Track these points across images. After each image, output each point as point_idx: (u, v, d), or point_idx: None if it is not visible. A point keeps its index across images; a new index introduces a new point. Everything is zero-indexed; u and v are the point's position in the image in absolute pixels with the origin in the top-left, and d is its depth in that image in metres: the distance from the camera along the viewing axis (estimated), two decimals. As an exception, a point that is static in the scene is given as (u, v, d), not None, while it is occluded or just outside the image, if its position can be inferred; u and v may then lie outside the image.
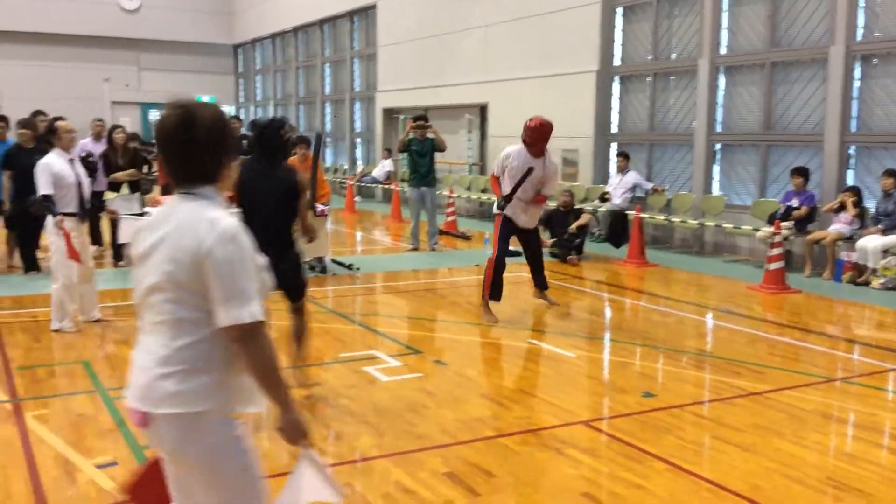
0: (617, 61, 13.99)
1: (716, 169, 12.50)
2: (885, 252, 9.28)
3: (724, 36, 12.22)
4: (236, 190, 4.86)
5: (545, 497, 3.94)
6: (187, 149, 2.35)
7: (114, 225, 9.57)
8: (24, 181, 8.53)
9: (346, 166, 22.88)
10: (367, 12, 21.35)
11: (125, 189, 10.08)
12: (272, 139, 5.19)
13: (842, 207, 9.95)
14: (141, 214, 8.88)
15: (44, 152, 7.14)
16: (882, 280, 9.21)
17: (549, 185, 7.70)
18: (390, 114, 20.32)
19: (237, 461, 2.37)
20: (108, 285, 8.66)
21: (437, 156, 12.21)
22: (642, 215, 11.30)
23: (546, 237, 11.72)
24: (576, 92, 14.14)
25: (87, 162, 9.28)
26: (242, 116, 27.61)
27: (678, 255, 11.99)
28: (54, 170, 6.78)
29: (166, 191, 11.66)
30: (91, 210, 7.66)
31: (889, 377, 6.08)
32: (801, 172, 10.49)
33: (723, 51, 12.22)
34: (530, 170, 7.40)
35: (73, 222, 6.90)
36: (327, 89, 24.16)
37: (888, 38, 10.16)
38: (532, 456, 4.45)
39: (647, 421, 4.98)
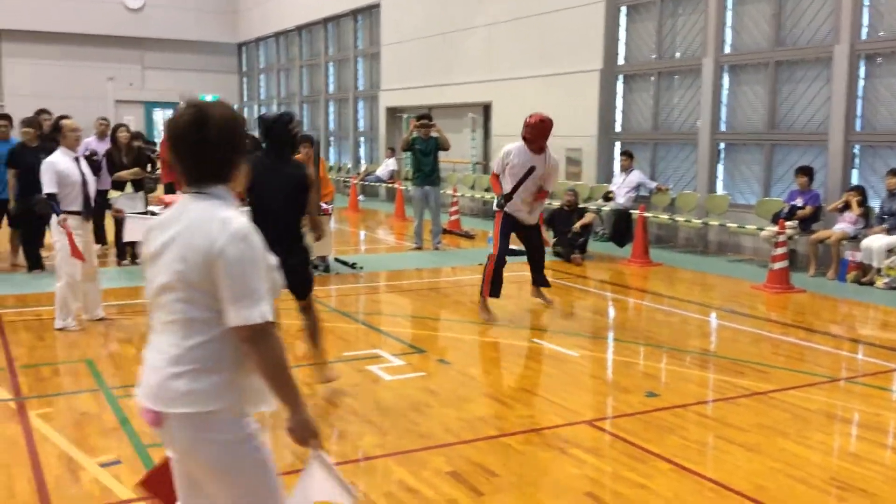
0: (621, 60, 13.97)
1: (720, 168, 12.48)
2: (890, 251, 9.25)
3: (729, 35, 12.20)
4: (246, 186, 4.87)
5: (548, 496, 3.94)
6: (200, 148, 2.34)
7: (118, 223, 9.58)
8: (29, 180, 8.56)
9: (349, 165, 22.89)
10: (371, 11, 21.34)
11: (129, 188, 10.09)
12: (281, 134, 5.20)
13: (846, 207, 9.93)
14: (144, 213, 8.89)
15: (49, 151, 7.16)
16: (886, 279, 9.19)
17: (551, 180, 7.71)
18: (394, 113, 20.31)
19: (250, 459, 2.36)
20: (112, 284, 8.68)
21: (441, 155, 12.21)
22: (646, 214, 11.29)
23: (549, 236, 11.73)
24: (580, 91, 14.12)
25: (91, 161, 9.28)
26: (246, 115, 27.63)
27: (682, 254, 11.98)
28: (59, 168, 6.79)
29: (169, 189, 11.69)
30: (95, 209, 7.67)
31: (893, 377, 6.06)
32: (806, 172, 10.47)
33: (727, 50, 12.19)
34: (532, 168, 7.39)
35: (77, 221, 6.91)
36: (331, 88, 24.16)
37: (893, 38, 10.13)
38: (535, 455, 4.45)
39: (651, 420, 4.97)
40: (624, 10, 13.84)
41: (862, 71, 10.49)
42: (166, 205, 8.89)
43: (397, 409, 5.15)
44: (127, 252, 10.24)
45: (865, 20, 10.46)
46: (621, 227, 12.12)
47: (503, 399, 5.42)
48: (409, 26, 19.17)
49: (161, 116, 28.17)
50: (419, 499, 3.86)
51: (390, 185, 19.02)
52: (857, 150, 10.67)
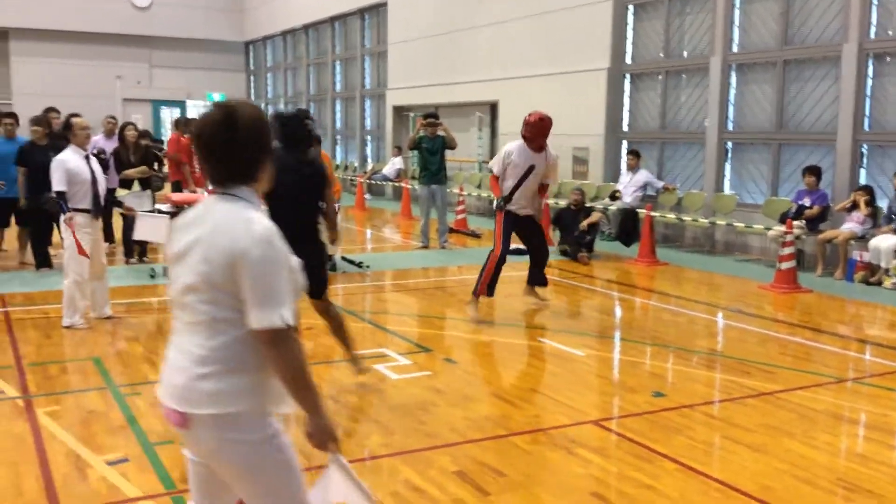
0: (628, 59, 13.95)
1: (727, 167, 12.45)
2: (898, 251, 9.22)
3: (737, 33, 12.17)
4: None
5: (554, 496, 3.94)
6: (229, 148, 2.34)
7: (126, 221, 9.61)
8: (38, 178, 8.60)
9: (356, 164, 22.91)
10: (378, 10, 21.36)
11: (136, 186, 10.11)
12: (297, 130, 5.21)
13: (854, 206, 9.90)
14: (152, 212, 8.92)
15: (58, 149, 7.19)
16: (894, 279, 9.15)
17: (552, 177, 7.73)
18: (401, 111, 20.32)
19: (275, 458, 2.37)
20: (119, 282, 8.71)
21: (448, 153, 12.21)
22: (653, 214, 11.27)
23: (556, 236, 11.72)
24: (587, 90, 14.11)
25: (99, 159, 9.30)
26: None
27: (689, 253, 11.95)
28: (69, 166, 6.82)
29: (177, 188, 11.72)
30: (104, 207, 7.69)
31: (901, 378, 6.04)
32: (814, 171, 10.43)
33: (735, 48, 12.16)
34: (531, 167, 7.39)
35: (86, 219, 6.93)
36: (338, 87, 24.19)
37: (902, 37, 10.10)
38: (541, 455, 4.45)
39: (657, 421, 4.96)
40: (631, 8, 13.81)
41: (870, 70, 10.45)
42: (174, 203, 8.92)
43: (403, 408, 5.16)
44: (134, 250, 10.27)
45: (874, 19, 10.42)
46: (628, 227, 12.10)
47: (509, 398, 5.42)
48: (416, 25, 19.17)
49: (168, 115, 28.24)
50: (425, 498, 3.87)
51: (397, 184, 19.03)
52: (865, 149, 10.64)
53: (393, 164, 19.66)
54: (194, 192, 11.01)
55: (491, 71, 16.67)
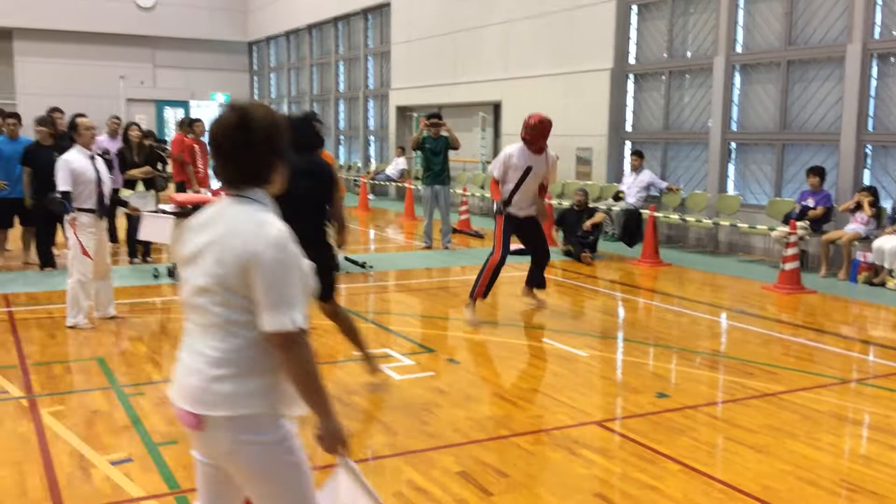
0: (632, 59, 13.94)
1: (731, 168, 12.44)
2: (902, 252, 9.21)
3: (740, 34, 12.16)
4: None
5: (557, 497, 3.94)
6: (243, 150, 2.34)
7: (130, 221, 9.62)
8: (43, 178, 8.61)
9: (359, 164, 22.92)
10: (382, 10, 21.37)
11: (140, 186, 10.13)
12: (306, 132, 5.21)
13: (858, 207, 9.88)
14: (156, 212, 8.92)
15: (63, 149, 7.20)
16: (898, 280, 9.14)
17: (551, 178, 7.73)
18: (404, 112, 20.34)
19: (288, 460, 2.37)
20: (123, 282, 8.72)
21: (451, 154, 12.21)
22: (656, 214, 11.26)
23: (559, 237, 11.72)
24: (590, 90, 14.10)
25: (104, 159, 9.33)
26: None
27: (692, 254, 11.95)
28: (74, 166, 6.83)
29: (180, 188, 11.74)
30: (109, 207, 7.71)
31: (905, 379, 6.03)
32: (817, 172, 10.42)
33: (739, 49, 12.15)
34: (529, 169, 7.38)
35: (91, 219, 6.95)
36: (341, 87, 24.20)
37: (906, 37, 10.09)
38: (544, 456, 4.45)
39: (661, 421, 4.96)
40: (635, 8, 13.81)
41: (874, 70, 10.43)
42: (178, 203, 8.93)
43: (407, 408, 5.16)
44: (138, 250, 10.28)
45: (878, 19, 10.41)
46: (631, 227, 12.10)
47: (512, 399, 5.42)
48: (420, 25, 19.18)
49: (172, 115, 28.30)
50: (428, 499, 3.87)
51: (400, 184, 19.04)
52: (869, 150, 10.62)
53: (396, 165, 19.66)
54: (198, 192, 11.03)
55: (494, 71, 16.67)
